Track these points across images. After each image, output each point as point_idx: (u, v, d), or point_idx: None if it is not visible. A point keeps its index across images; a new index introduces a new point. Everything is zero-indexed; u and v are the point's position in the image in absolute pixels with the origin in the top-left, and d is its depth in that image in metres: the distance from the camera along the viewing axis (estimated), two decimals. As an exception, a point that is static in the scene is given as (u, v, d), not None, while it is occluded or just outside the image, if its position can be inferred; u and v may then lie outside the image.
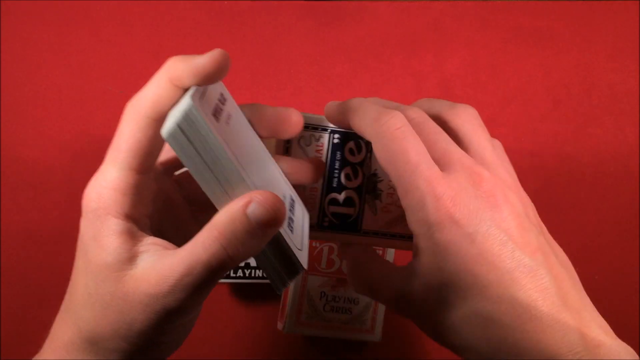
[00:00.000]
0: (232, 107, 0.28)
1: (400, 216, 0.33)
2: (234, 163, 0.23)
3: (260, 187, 0.25)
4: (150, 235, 0.27)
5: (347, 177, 0.32)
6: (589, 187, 0.55)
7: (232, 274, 0.49)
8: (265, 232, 0.25)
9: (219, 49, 0.25)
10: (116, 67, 0.52)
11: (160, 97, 0.27)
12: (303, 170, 0.31)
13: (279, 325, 0.50)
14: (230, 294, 0.53)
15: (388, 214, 0.33)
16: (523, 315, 0.25)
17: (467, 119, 0.32)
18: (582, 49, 0.55)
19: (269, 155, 0.30)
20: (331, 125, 0.31)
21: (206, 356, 0.52)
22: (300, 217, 0.29)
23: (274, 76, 0.53)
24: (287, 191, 0.29)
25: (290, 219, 0.27)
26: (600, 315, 0.27)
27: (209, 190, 0.24)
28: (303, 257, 0.27)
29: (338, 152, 0.32)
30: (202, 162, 0.23)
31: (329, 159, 0.32)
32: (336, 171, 0.32)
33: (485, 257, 0.25)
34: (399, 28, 0.54)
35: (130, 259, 0.25)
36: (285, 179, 0.30)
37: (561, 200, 0.55)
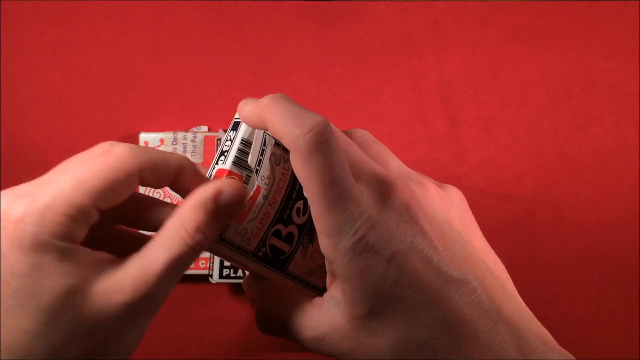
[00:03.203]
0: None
1: (321, 266, 0.30)
2: None
3: None
4: (100, 252, 0.25)
5: (297, 211, 0.29)
6: (589, 187, 0.55)
7: (232, 274, 0.49)
8: (226, 222, 0.26)
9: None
10: (116, 67, 0.52)
11: (164, 167, 0.27)
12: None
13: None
14: (230, 294, 0.53)
15: (313, 260, 0.30)
16: (458, 338, 0.23)
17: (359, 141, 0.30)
18: (582, 49, 0.55)
19: None
20: None
21: (206, 356, 0.52)
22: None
23: (274, 76, 0.53)
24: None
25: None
26: (537, 321, 0.26)
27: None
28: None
29: (297, 183, 0.29)
30: None
31: (289, 186, 0.29)
32: (291, 202, 0.29)
33: (410, 279, 0.23)
34: (399, 28, 0.54)
35: (88, 279, 0.24)
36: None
37: (561, 200, 0.55)
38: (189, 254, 0.24)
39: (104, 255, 0.25)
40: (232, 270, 0.49)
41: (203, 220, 0.25)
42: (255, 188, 0.28)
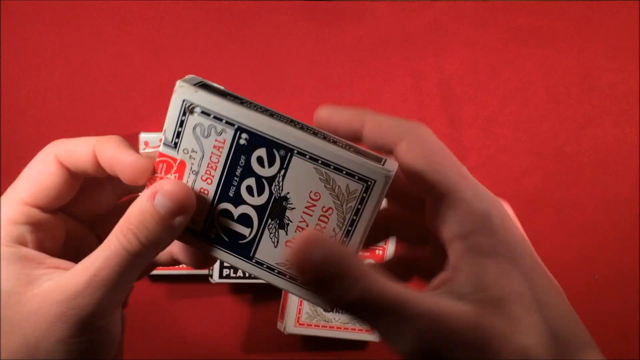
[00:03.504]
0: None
1: None
2: None
3: None
4: (55, 259, 0.26)
5: (249, 190, 0.26)
6: (589, 187, 0.55)
7: (232, 274, 0.49)
8: (173, 221, 0.25)
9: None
10: (116, 67, 0.52)
11: (79, 152, 0.27)
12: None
13: (279, 325, 0.50)
14: (230, 294, 0.53)
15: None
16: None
17: None
18: (582, 49, 0.55)
19: None
20: (241, 121, 0.25)
21: (206, 356, 0.52)
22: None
23: (274, 76, 0.53)
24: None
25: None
26: None
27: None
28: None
29: (242, 157, 0.26)
30: None
31: (228, 160, 0.26)
32: (235, 179, 0.26)
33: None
34: (399, 28, 0.54)
35: (31, 281, 0.24)
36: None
37: (561, 200, 0.55)
38: (123, 255, 0.24)
39: (59, 262, 0.26)
40: (232, 270, 0.49)
41: (140, 222, 0.25)
42: (178, 163, 0.27)
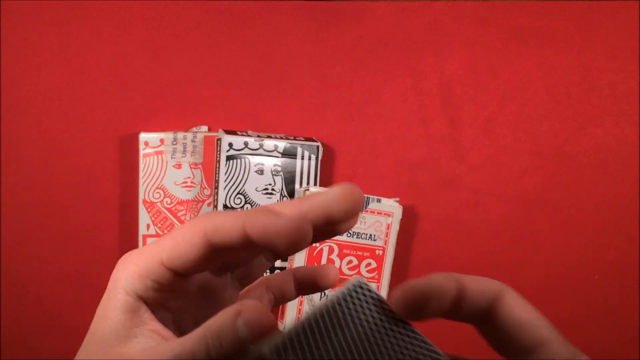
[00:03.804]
0: None
1: None
2: None
3: None
4: (158, 323, 0.28)
5: None
6: (589, 187, 0.55)
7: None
8: (247, 344, 0.26)
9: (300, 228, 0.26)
10: (116, 67, 0.52)
11: (227, 228, 0.28)
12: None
13: (279, 325, 0.50)
14: (230, 294, 0.53)
15: None
16: None
17: None
18: (582, 49, 0.55)
19: None
20: None
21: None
22: None
23: (274, 76, 0.53)
24: None
25: None
26: None
27: None
28: None
29: None
30: None
31: None
32: None
33: None
34: (399, 28, 0.54)
35: (126, 337, 0.27)
36: None
37: (561, 200, 0.55)
38: (191, 357, 0.26)
39: (161, 328, 0.28)
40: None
41: (217, 337, 0.26)
42: None
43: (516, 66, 0.55)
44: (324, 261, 0.47)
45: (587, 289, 0.55)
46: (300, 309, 0.49)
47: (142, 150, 0.50)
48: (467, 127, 0.54)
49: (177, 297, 0.29)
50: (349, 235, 0.47)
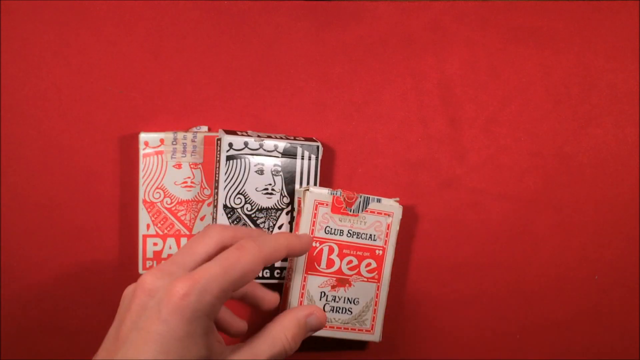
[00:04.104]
0: None
1: None
2: None
3: None
4: (217, 331, 0.35)
5: None
6: (589, 187, 0.55)
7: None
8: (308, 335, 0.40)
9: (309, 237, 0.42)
10: (116, 67, 0.52)
11: (278, 254, 0.37)
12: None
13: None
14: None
15: None
16: None
17: None
18: (582, 49, 0.55)
19: None
20: None
21: (206, 356, 0.52)
22: None
23: (273, 76, 0.53)
24: None
25: None
26: None
27: None
28: None
29: None
30: None
31: None
32: None
33: None
34: (399, 28, 0.54)
35: (213, 354, 0.32)
36: None
37: (561, 200, 0.55)
38: (282, 355, 0.35)
39: (219, 336, 0.35)
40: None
41: (297, 332, 0.37)
42: None
43: (516, 66, 0.55)
44: (324, 261, 0.47)
45: (587, 289, 0.55)
46: (300, 309, 0.49)
47: (142, 150, 0.50)
48: (467, 127, 0.54)
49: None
50: (349, 235, 0.47)
